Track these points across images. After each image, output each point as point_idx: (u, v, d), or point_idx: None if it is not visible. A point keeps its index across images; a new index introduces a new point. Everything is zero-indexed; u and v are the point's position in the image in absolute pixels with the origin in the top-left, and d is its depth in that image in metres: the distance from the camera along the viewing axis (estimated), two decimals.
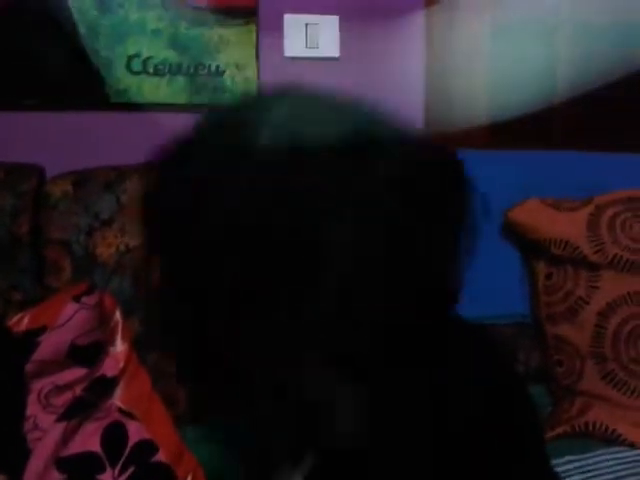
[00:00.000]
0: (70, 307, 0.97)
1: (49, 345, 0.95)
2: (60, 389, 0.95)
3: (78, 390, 0.96)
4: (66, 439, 0.89)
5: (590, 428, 1.11)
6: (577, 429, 1.11)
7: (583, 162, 1.32)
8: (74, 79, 1.30)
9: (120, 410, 0.96)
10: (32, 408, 0.92)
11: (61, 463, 0.86)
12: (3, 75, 1.28)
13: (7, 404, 0.89)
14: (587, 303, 1.19)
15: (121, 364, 1.01)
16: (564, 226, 1.21)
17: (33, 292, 1.17)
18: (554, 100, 1.44)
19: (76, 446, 0.88)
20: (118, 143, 1.32)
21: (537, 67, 1.43)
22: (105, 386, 0.98)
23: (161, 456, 0.92)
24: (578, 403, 1.15)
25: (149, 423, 0.96)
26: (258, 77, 1.33)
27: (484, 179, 1.27)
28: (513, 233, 1.27)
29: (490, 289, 1.28)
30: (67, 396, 0.95)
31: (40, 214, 1.18)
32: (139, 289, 1.15)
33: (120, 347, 1.03)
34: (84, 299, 0.98)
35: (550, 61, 1.46)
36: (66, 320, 0.96)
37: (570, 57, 1.46)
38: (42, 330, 1.00)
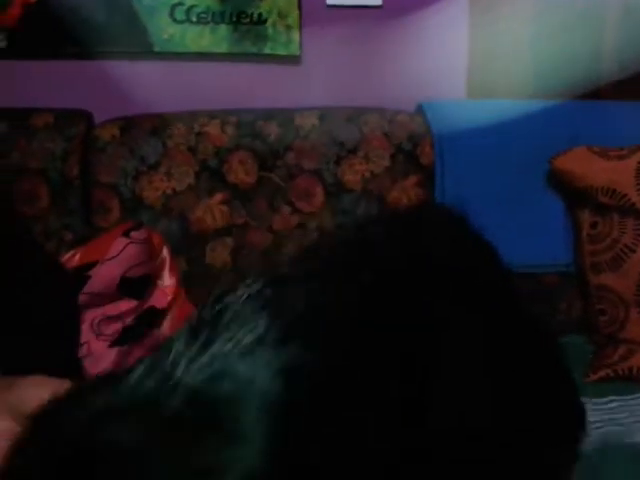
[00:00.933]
0: (120, 241, 1.00)
1: (100, 278, 0.99)
2: (111, 319, 0.98)
3: (128, 320, 0.99)
4: (118, 363, 0.92)
5: (634, 372, 1.10)
6: (620, 373, 1.11)
7: (631, 111, 1.30)
8: (118, 28, 1.33)
9: None
10: (85, 336, 0.95)
11: None
12: (51, 23, 1.31)
13: (63, 331, 0.93)
14: (633, 251, 1.18)
15: (169, 297, 1.04)
16: (611, 174, 1.19)
17: (83, 232, 1.21)
18: (599, 82, 1.40)
19: None
20: (162, 91, 1.34)
21: (583, 49, 1.40)
22: (154, 317, 1.01)
23: None
24: (621, 350, 1.14)
25: None
26: (300, 25, 1.34)
27: (531, 129, 1.27)
28: (559, 182, 1.26)
29: (534, 238, 1.27)
30: (117, 326, 0.98)
31: (89, 158, 1.21)
32: None
33: (168, 281, 1.06)
34: (133, 234, 1.01)
35: (596, 43, 1.42)
36: (116, 254, 0.99)
37: (617, 38, 1.41)
38: (93, 265, 1.03)
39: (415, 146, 1.25)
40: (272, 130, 1.25)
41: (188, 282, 1.19)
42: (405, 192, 1.24)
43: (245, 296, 0.50)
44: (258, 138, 1.25)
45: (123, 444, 0.45)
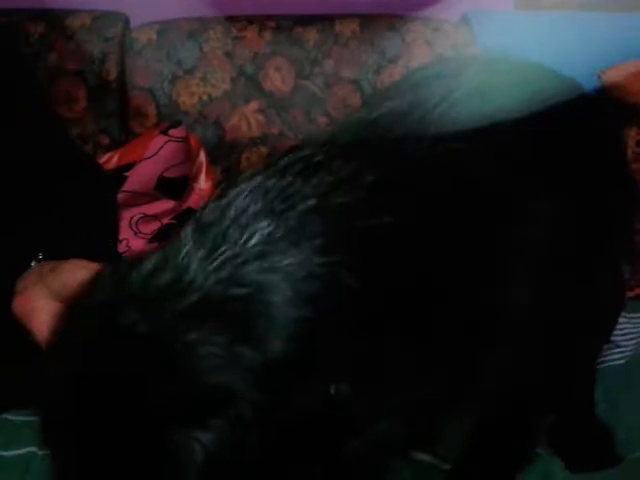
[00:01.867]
0: (158, 139, 1.00)
1: (138, 176, 0.99)
2: (149, 218, 0.99)
3: (165, 221, 1.00)
4: None
5: None
6: None
7: None
8: None
9: None
10: (124, 233, 0.97)
11: None
12: None
13: (103, 226, 0.94)
14: None
15: (206, 200, 1.04)
16: None
17: (119, 136, 1.21)
18: None
19: None
20: None
21: None
22: (191, 217, 1.01)
23: None
24: None
25: None
26: None
27: (579, 42, 1.22)
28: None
29: None
30: (155, 225, 0.99)
31: (125, 61, 1.20)
32: None
33: (204, 185, 1.06)
34: (171, 131, 1.01)
35: None
36: (155, 152, 0.99)
37: None
38: (131, 166, 1.04)
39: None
40: (311, 36, 1.22)
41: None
42: None
43: (247, 191, 0.49)
44: (296, 44, 1.22)
45: (138, 330, 0.45)
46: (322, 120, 1.22)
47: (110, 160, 1.07)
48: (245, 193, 0.47)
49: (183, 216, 1.01)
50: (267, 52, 1.21)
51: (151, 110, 1.20)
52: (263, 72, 1.21)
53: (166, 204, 1.01)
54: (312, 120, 1.22)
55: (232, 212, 0.47)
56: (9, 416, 0.73)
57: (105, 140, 1.20)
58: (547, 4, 1.33)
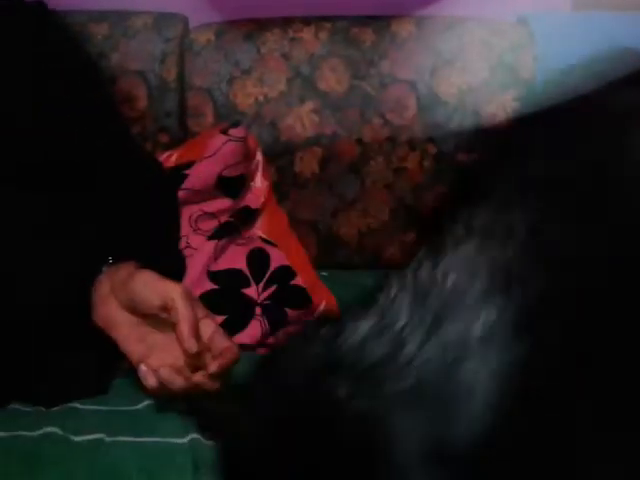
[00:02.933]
0: (218, 139, 1.02)
1: (198, 175, 1.01)
2: (207, 215, 1.01)
3: (223, 218, 1.02)
4: (215, 256, 0.95)
5: None
6: None
7: None
8: None
9: (261, 238, 1.02)
10: (184, 230, 0.99)
11: (212, 275, 0.93)
12: None
13: (166, 224, 0.96)
14: None
15: (262, 199, 1.06)
16: None
17: (178, 135, 1.23)
18: None
19: (224, 263, 0.95)
20: None
21: None
22: (248, 216, 1.03)
23: (299, 280, 0.97)
24: None
25: (287, 253, 1.01)
26: None
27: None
28: None
29: None
30: (213, 223, 1.01)
31: (184, 61, 1.23)
32: None
33: (260, 184, 1.08)
34: (231, 131, 1.02)
35: None
36: (215, 151, 1.01)
37: None
38: (189, 165, 1.06)
39: (516, 58, 1.20)
40: (367, 37, 1.23)
41: (277, 189, 1.21)
42: (502, 107, 1.20)
43: (463, 261, 0.43)
44: (352, 45, 1.22)
45: (353, 406, 0.42)
46: (377, 121, 1.22)
47: (169, 158, 1.10)
48: (462, 264, 0.43)
49: (240, 214, 1.03)
50: (323, 53, 1.22)
51: (209, 110, 1.23)
52: (319, 73, 1.22)
53: (224, 202, 1.02)
54: (366, 120, 1.22)
55: (450, 284, 0.43)
56: (78, 405, 0.76)
57: (164, 138, 1.23)
58: (607, 4, 1.30)
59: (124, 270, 0.72)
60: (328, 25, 1.24)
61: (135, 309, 0.70)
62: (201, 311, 0.70)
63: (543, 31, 1.23)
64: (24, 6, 1.03)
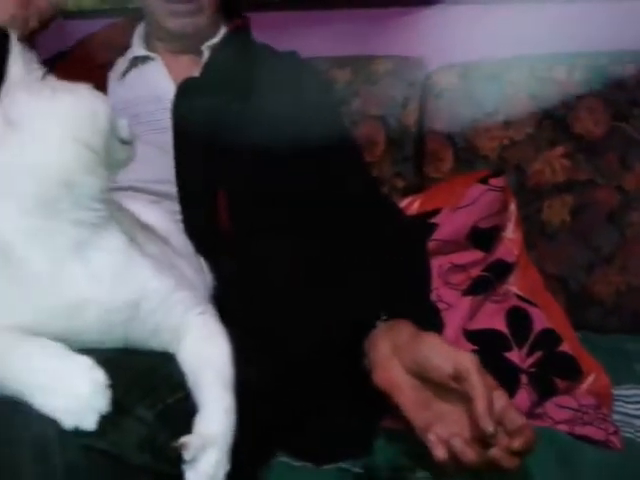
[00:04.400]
0: (476, 189, 0.95)
1: (451, 224, 0.96)
2: (457, 268, 0.95)
3: (474, 272, 0.95)
4: (472, 314, 0.89)
5: None
6: None
7: None
8: None
9: (517, 296, 0.94)
10: (434, 282, 0.94)
11: (469, 335, 0.87)
12: None
13: (419, 274, 0.92)
14: None
15: (516, 251, 0.98)
16: None
17: (413, 180, 1.20)
18: None
19: (481, 322, 0.88)
20: (497, 35, 1.27)
21: None
22: (502, 270, 0.95)
23: (565, 347, 0.87)
24: None
25: (547, 314, 0.91)
26: None
27: None
28: None
29: None
30: (462, 276, 0.95)
31: (425, 105, 1.20)
32: None
33: (512, 235, 1.00)
34: (492, 181, 0.96)
35: None
36: (471, 202, 0.95)
37: None
38: (435, 213, 1.01)
39: None
40: (629, 73, 1.10)
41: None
42: None
43: None
44: (611, 83, 1.11)
45: None
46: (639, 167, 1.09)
47: (411, 205, 1.06)
48: None
49: (494, 268, 0.96)
50: (577, 92, 1.12)
51: (448, 154, 1.18)
52: (572, 114, 1.12)
53: (475, 254, 0.96)
54: (628, 167, 1.10)
55: None
56: (343, 465, 0.73)
57: (400, 183, 1.20)
58: None
59: (405, 331, 0.68)
60: (583, 62, 1.14)
61: (421, 374, 0.65)
62: (490, 381, 0.64)
63: None
64: (277, 54, 1.07)
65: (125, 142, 0.55)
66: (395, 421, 0.69)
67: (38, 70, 0.54)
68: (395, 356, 0.66)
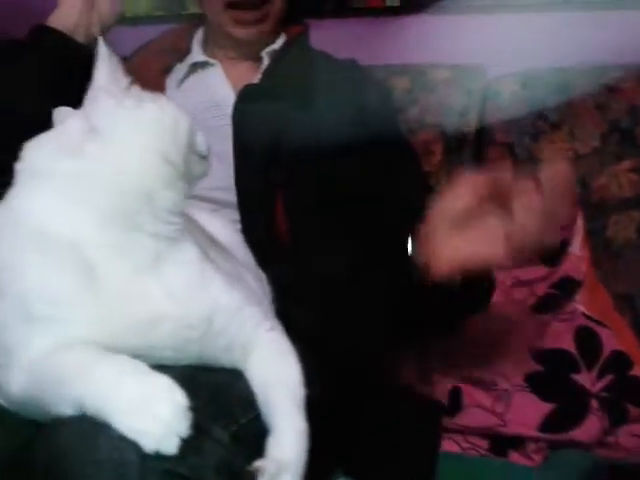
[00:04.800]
0: None
1: None
2: (521, 284, 0.92)
3: (539, 289, 0.92)
4: (539, 331, 0.86)
5: None
6: None
7: None
8: None
9: (585, 315, 0.90)
10: (497, 296, 0.91)
11: (537, 355, 0.84)
12: None
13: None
14: None
15: (583, 268, 0.95)
16: None
17: None
18: None
19: (549, 341, 0.85)
20: (560, 42, 1.23)
21: None
22: (569, 287, 0.92)
23: (637, 371, 0.83)
24: None
25: (617, 336, 0.88)
26: None
27: None
28: None
29: None
30: (525, 291, 0.92)
31: (485, 114, 1.16)
32: None
33: (579, 251, 0.96)
34: None
35: None
36: None
37: None
38: None
39: None
40: None
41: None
42: None
43: None
44: None
45: None
46: None
47: None
48: None
49: (560, 285, 0.92)
50: None
51: (507, 166, 1.14)
52: None
53: (539, 270, 0.93)
54: None
55: None
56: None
57: None
58: None
59: None
60: None
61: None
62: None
63: None
64: (336, 61, 1.06)
65: (202, 156, 0.54)
66: None
67: (123, 79, 0.53)
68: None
